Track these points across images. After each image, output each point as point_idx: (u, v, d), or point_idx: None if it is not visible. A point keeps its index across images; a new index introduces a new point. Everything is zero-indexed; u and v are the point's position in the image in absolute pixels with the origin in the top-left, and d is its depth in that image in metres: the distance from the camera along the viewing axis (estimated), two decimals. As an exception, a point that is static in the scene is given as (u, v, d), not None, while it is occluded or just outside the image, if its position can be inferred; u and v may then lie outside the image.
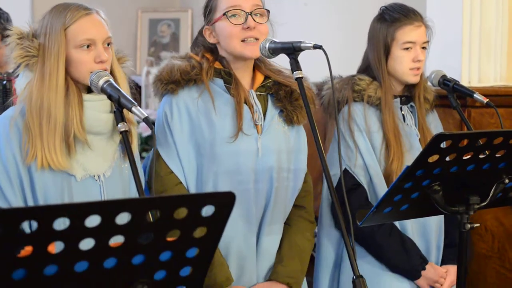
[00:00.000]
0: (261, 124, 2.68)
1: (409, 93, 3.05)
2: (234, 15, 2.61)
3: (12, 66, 4.46)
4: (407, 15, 2.98)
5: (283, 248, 2.75)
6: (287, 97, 2.71)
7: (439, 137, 2.09)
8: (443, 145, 2.15)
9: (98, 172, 2.44)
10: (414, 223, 2.95)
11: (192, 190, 2.62)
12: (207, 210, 1.61)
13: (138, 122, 2.58)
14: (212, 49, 2.71)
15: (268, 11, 2.66)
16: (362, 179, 2.92)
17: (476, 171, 2.27)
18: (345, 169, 2.90)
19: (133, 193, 2.57)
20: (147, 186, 2.60)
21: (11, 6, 4.72)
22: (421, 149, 2.96)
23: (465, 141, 2.14)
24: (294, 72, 2.34)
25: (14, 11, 4.62)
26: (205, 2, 2.72)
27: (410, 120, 3.02)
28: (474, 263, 3.58)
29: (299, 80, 2.33)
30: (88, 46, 2.38)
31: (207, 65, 2.66)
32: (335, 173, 2.78)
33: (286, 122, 2.73)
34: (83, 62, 2.38)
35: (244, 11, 2.61)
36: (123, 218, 1.52)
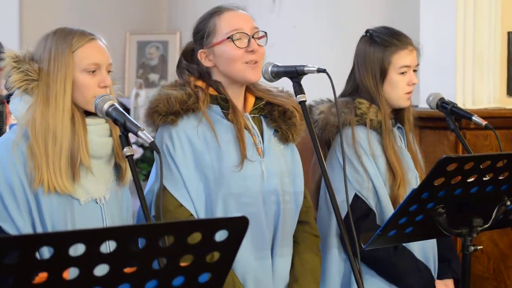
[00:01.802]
0: (261, 147, 2.69)
1: (395, 115, 3.05)
2: (238, 38, 2.60)
3: (4, 90, 4.50)
4: (400, 39, 3.00)
5: (296, 267, 2.74)
6: (280, 116, 2.70)
7: (445, 160, 2.10)
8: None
9: (99, 195, 2.43)
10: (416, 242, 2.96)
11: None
12: (221, 235, 1.61)
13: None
14: (202, 74, 2.68)
15: (265, 33, 2.66)
16: (372, 203, 2.91)
17: (479, 193, 2.29)
18: (356, 194, 2.89)
19: (127, 218, 2.57)
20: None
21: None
22: (415, 170, 3.01)
23: (471, 164, 2.15)
24: (298, 96, 2.35)
25: (2, 35, 4.62)
26: (197, 27, 2.69)
27: (400, 141, 3.04)
28: (471, 284, 3.58)
29: (303, 104, 2.34)
30: (93, 71, 2.39)
31: (203, 94, 2.64)
32: (343, 199, 2.64)
33: (281, 141, 2.73)
34: (87, 86, 2.37)
35: (247, 34, 2.61)
36: (138, 244, 1.52)
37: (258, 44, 2.61)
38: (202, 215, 2.60)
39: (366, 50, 3.02)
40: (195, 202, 2.59)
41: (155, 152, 2.40)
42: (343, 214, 2.44)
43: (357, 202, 2.88)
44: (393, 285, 2.97)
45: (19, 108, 2.40)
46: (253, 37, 2.61)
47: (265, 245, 2.65)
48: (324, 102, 3.04)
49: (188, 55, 2.73)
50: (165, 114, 2.59)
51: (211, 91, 2.66)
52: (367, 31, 3.05)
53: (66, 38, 2.39)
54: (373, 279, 2.96)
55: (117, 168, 2.51)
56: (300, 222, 2.79)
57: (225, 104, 2.65)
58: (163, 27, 7.43)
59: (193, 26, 2.71)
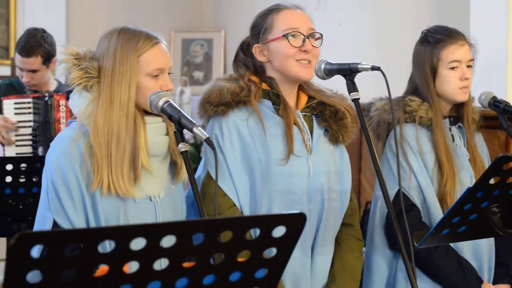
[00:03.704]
0: (309, 144, 2.69)
1: (456, 114, 3.05)
2: (293, 37, 2.62)
3: (51, 85, 4.57)
4: (450, 35, 3.00)
5: (335, 267, 2.75)
6: (332, 116, 2.72)
7: (501, 159, 2.09)
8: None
9: (154, 193, 2.45)
10: (466, 243, 2.95)
11: (246, 211, 2.62)
12: (278, 231, 1.61)
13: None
14: (257, 69, 2.72)
15: (321, 34, 2.67)
16: (416, 200, 2.92)
17: (535, 193, 2.26)
18: (398, 189, 2.89)
19: (181, 214, 2.59)
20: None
21: (46, 26, 4.79)
22: (471, 170, 2.99)
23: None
24: (351, 93, 2.35)
25: (49, 31, 4.68)
26: (255, 22, 2.73)
27: (459, 140, 3.03)
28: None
29: (356, 101, 2.34)
30: (157, 75, 2.40)
31: (255, 88, 2.67)
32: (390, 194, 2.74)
33: (331, 141, 2.74)
34: (151, 90, 2.38)
35: (302, 34, 2.62)
36: (197, 239, 1.53)
37: (312, 45, 2.63)
38: (246, 207, 2.63)
39: (419, 49, 3.05)
40: (239, 193, 2.62)
41: (203, 147, 2.42)
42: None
43: (399, 197, 2.87)
44: (437, 285, 2.96)
45: (78, 104, 2.43)
46: (308, 37, 2.62)
47: (305, 243, 2.66)
48: (382, 99, 3.05)
49: (245, 49, 2.76)
50: (216, 104, 2.63)
51: (264, 86, 2.69)
52: (422, 32, 3.06)
53: (131, 41, 2.40)
54: (418, 280, 2.94)
55: (172, 166, 2.53)
56: (344, 225, 2.79)
57: (277, 100, 2.67)
58: (208, 25, 7.46)
59: (252, 21, 2.75)
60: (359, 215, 2.89)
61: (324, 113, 2.73)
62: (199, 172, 2.69)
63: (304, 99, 2.75)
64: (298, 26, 2.63)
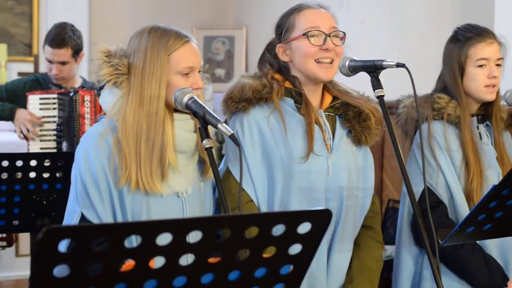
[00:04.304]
0: (330, 144, 2.69)
1: (485, 112, 3.04)
2: (313, 36, 2.62)
3: (76, 81, 4.63)
4: (480, 33, 3.00)
5: (353, 268, 2.74)
6: (355, 117, 2.71)
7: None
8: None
9: (181, 189, 2.47)
10: (493, 241, 2.94)
11: (263, 207, 2.63)
12: (304, 227, 1.61)
13: None
14: (281, 68, 2.72)
15: (344, 33, 2.67)
16: (443, 197, 2.92)
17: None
18: (426, 186, 2.89)
19: (209, 212, 2.61)
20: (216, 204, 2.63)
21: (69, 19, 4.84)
22: (498, 168, 2.98)
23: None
24: (376, 90, 2.34)
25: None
26: (279, 21, 2.74)
27: (487, 138, 3.03)
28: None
29: (381, 98, 2.33)
30: (187, 73, 2.42)
31: (278, 86, 2.68)
32: (415, 190, 2.74)
33: (354, 142, 2.73)
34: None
35: (323, 33, 2.62)
36: (223, 234, 1.53)
37: (334, 43, 2.62)
38: (263, 203, 2.64)
39: (448, 47, 3.06)
40: (257, 189, 2.63)
41: (225, 143, 2.42)
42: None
43: (427, 194, 2.86)
44: (463, 282, 2.95)
45: (107, 100, 2.46)
46: (329, 35, 2.62)
47: (322, 241, 2.64)
48: (411, 96, 3.05)
49: (271, 49, 2.76)
50: (238, 100, 2.64)
51: (287, 84, 2.69)
52: (454, 30, 3.06)
53: (162, 39, 2.42)
54: (444, 277, 2.93)
55: (201, 163, 2.55)
56: (364, 227, 2.79)
57: (299, 98, 2.67)
58: (229, 22, 7.47)
59: (276, 21, 2.75)
60: (380, 218, 2.88)
61: (347, 113, 2.72)
62: (220, 167, 2.70)
63: (328, 99, 2.75)
64: (319, 25, 2.63)
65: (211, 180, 2.59)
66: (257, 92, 2.65)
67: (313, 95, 2.70)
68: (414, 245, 2.99)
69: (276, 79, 2.70)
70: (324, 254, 2.68)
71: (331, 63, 2.62)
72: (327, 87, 2.75)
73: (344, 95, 2.74)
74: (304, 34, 2.62)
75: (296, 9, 2.69)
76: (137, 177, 2.35)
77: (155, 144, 2.36)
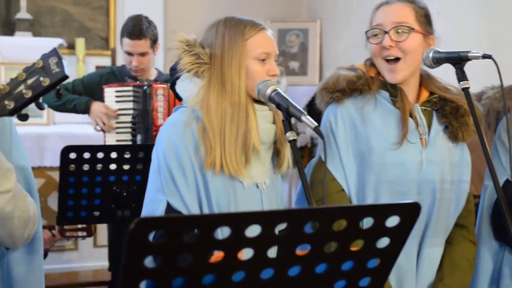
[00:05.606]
0: (425, 138, 2.65)
1: None
2: (375, 35, 2.63)
3: (151, 73, 4.67)
4: None
5: (444, 267, 2.70)
6: (453, 113, 2.67)
7: None
8: None
9: (261, 180, 2.48)
10: None
11: (353, 198, 2.61)
12: (392, 221, 1.59)
13: None
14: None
15: (410, 28, 2.59)
16: None
17: None
18: (507, 179, 2.83)
19: (282, 202, 2.61)
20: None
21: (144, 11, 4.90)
22: None
23: None
24: (461, 82, 2.31)
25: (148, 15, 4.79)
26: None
27: None
28: None
29: (466, 90, 2.29)
30: (263, 60, 2.44)
31: (371, 78, 2.67)
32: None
33: (450, 138, 2.69)
34: (258, 73, 2.43)
35: (383, 30, 2.60)
36: (309, 227, 1.52)
37: (392, 39, 2.59)
38: (353, 194, 2.63)
39: None
40: (348, 179, 2.62)
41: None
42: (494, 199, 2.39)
43: (508, 186, 2.81)
44: None
45: (188, 89, 2.48)
46: (388, 32, 2.59)
47: (413, 235, 2.62)
48: (494, 87, 3.00)
49: None
50: (332, 91, 2.66)
51: (382, 78, 2.68)
52: None
53: (238, 27, 2.46)
54: None
55: (275, 156, 2.56)
56: (458, 225, 2.74)
57: (394, 91, 2.65)
58: (303, 15, 7.45)
59: None
60: (474, 217, 2.82)
61: (444, 108, 2.68)
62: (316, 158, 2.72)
63: (425, 94, 2.72)
64: (382, 22, 2.62)
65: (281, 173, 2.60)
66: (351, 83, 2.65)
67: (409, 89, 2.68)
68: (494, 240, 2.93)
69: (372, 71, 2.70)
70: (414, 249, 2.65)
71: (395, 60, 2.60)
72: (425, 82, 2.73)
73: (443, 91, 2.70)
74: (366, 33, 2.65)
75: (375, 7, 2.69)
76: (221, 159, 2.37)
77: (240, 126, 2.39)
